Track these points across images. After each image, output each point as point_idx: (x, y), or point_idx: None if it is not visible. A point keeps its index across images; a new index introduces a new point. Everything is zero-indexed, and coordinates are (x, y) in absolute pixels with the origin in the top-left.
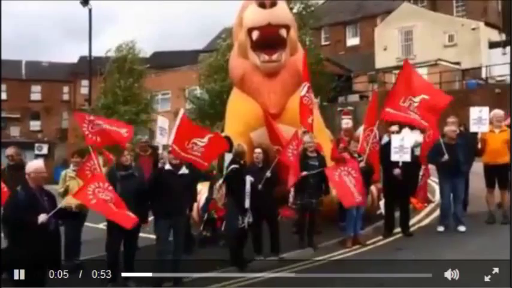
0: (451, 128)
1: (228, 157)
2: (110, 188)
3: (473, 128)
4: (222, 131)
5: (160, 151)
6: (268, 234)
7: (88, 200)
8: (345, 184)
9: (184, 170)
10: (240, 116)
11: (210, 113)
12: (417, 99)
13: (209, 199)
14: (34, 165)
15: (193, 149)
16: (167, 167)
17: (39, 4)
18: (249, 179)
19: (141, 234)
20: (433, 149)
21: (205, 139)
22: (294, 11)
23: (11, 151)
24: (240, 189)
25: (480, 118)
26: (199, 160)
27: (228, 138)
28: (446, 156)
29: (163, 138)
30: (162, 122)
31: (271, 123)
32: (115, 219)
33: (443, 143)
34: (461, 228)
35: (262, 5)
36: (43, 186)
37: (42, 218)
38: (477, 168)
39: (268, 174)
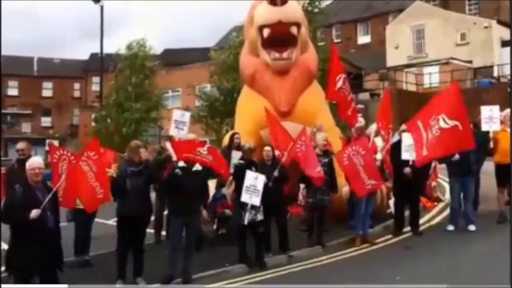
0: None
1: (236, 154)
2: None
3: (484, 127)
4: (232, 128)
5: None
6: (277, 232)
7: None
8: (355, 168)
9: (197, 167)
10: (250, 114)
11: (221, 110)
12: (450, 122)
13: (217, 197)
14: (29, 161)
15: (202, 155)
16: (181, 164)
17: (52, 3)
18: (260, 178)
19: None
20: None
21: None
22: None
23: (21, 145)
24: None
25: (491, 117)
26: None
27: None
28: (457, 156)
29: (182, 132)
30: (180, 115)
31: (275, 124)
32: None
33: None
34: (471, 228)
35: (273, 3)
36: (45, 183)
37: (33, 213)
38: (488, 167)
39: (275, 173)
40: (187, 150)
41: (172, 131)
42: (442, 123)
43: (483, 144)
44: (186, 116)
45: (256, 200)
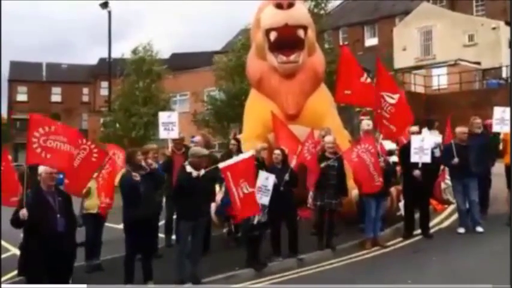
0: (462, 129)
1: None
2: (57, 128)
3: (495, 128)
4: (240, 132)
5: (169, 147)
6: (287, 235)
7: (41, 158)
8: (364, 165)
9: (202, 171)
10: (258, 117)
11: (228, 114)
12: (395, 96)
13: (225, 202)
14: (43, 166)
15: (242, 189)
16: (188, 169)
17: (62, 8)
18: (271, 178)
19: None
20: (444, 151)
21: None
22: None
23: None
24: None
25: (503, 118)
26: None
27: (237, 140)
28: (456, 159)
29: (172, 133)
30: (166, 117)
31: (282, 128)
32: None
33: (454, 145)
34: (479, 229)
35: (279, 6)
36: (58, 187)
37: (22, 214)
38: (499, 169)
39: (286, 177)
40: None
41: (162, 134)
42: (389, 100)
43: (492, 145)
44: (173, 117)
45: (266, 200)
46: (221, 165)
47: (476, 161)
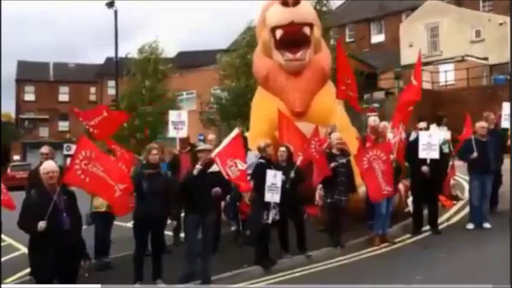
0: (481, 124)
1: (251, 154)
2: (98, 156)
3: (504, 124)
4: (247, 130)
5: (177, 146)
6: (295, 233)
7: (80, 180)
8: (373, 173)
9: (214, 168)
10: (265, 115)
11: (234, 112)
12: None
13: (234, 198)
14: (43, 165)
15: (231, 169)
16: (198, 166)
17: (68, 7)
18: (279, 175)
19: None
20: (463, 145)
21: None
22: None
23: (46, 149)
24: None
25: None
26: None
27: (244, 138)
28: (475, 153)
29: (181, 132)
30: (176, 116)
31: (289, 126)
32: (113, 203)
33: (474, 140)
34: (487, 225)
35: (285, 4)
36: (64, 186)
37: (40, 226)
38: (508, 165)
39: (292, 174)
40: (230, 154)
41: (171, 132)
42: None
43: (502, 142)
44: (183, 116)
45: (276, 198)
46: (213, 154)
47: (494, 157)
